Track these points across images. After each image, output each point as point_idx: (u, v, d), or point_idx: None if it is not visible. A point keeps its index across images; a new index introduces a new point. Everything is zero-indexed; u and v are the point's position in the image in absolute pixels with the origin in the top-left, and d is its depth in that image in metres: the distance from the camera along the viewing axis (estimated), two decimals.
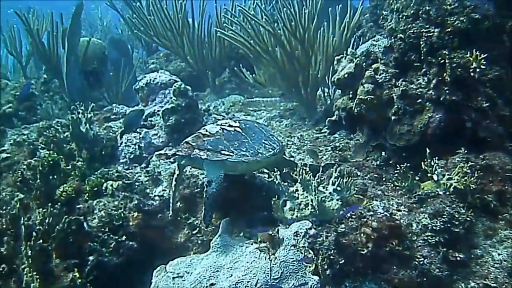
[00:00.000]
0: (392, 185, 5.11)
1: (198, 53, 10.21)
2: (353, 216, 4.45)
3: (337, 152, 6.08)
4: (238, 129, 5.14)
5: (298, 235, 4.32)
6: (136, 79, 9.45)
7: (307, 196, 4.63)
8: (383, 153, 5.54)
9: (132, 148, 6.38)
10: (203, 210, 4.78)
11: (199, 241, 5.27)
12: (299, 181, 4.72)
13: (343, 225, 4.32)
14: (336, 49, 7.18)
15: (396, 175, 4.92)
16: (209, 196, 4.73)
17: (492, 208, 4.61)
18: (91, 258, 4.92)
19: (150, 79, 7.17)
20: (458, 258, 4.24)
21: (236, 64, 9.56)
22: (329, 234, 4.28)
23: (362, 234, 4.25)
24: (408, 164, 4.86)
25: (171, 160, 5.23)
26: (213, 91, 10.16)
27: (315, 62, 7.37)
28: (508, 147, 4.95)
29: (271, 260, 4.19)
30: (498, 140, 4.95)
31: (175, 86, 6.55)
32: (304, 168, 4.70)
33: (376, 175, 5.32)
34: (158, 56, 12.61)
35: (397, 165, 5.10)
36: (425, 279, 4.15)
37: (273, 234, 4.29)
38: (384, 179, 5.27)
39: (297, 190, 4.73)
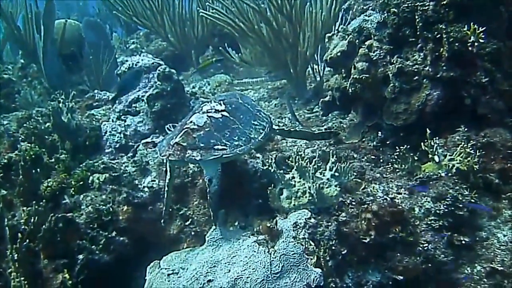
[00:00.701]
0: (390, 166, 4.95)
1: (180, 31, 9.91)
2: (353, 203, 4.31)
3: None
4: (225, 113, 4.84)
5: (298, 226, 4.13)
6: (117, 62, 9.10)
7: (304, 184, 4.44)
8: (380, 133, 5.36)
9: (117, 137, 6.11)
10: (210, 211, 4.59)
11: (193, 232, 5.05)
12: (295, 167, 4.51)
13: (343, 213, 4.15)
14: (325, 24, 6.92)
15: (396, 157, 4.74)
16: (212, 195, 4.51)
17: (495, 187, 4.50)
18: (80, 256, 4.69)
19: (132, 63, 6.84)
20: (463, 242, 4.11)
21: (220, 42, 9.27)
22: (329, 223, 4.12)
23: (363, 222, 4.09)
24: (407, 146, 4.67)
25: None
26: (197, 70, 9.85)
27: (304, 39, 7.10)
28: (508, 123, 4.79)
29: (270, 254, 4.00)
30: (498, 116, 4.80)
31: (159, 70, 6.26)
32: (300, 155, 4.49)
33: (373, 157, 5.17)
34: (138, 36, 12.27)
35: (395, 146, 4.95)
36: (430, 265, 4.03)
37: (271, 226, 4.09)
38: (381, 160, 5.13)
39: (293, 177, 4.53)
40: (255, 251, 4.06)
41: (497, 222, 4.33)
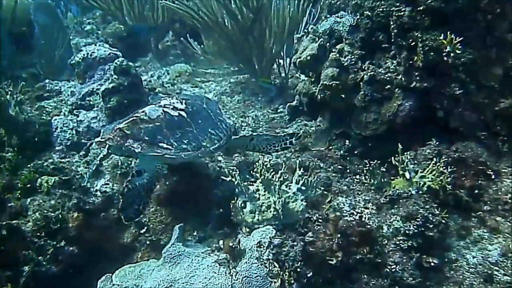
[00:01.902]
0: (358, 178, 4.75)
1: (139, 15, 9.41)
2: (320, 219, 4.07)
3: None
4: (183, 113, 4.57)
5: (262, 246, 3.87)
6: (71, 47, 8.60)
7: (269, 197, 4.17)
8: (347, 141, 5.18)
9: (69, 133, 5.67)
10: (120, 202, 4.24)
11: (148, 241, 4.76)
12: (260, 180, 4.24)
13: (310, 233, 3.91)
14: (292, 20, 6.64)
15: (364, 171, 4.53)
16: (132, 187, 4.22)
17: (465, 205, 4.38)
18: (26, 268, 4.33)
19: (88, 53, 6.36)
20: (432, 264, 3.93)
21: (182, 27, 8.89)
22: (295, 243, 3.87)
23: (330, 241, 3.86)
24: (377, 161, 4.46)
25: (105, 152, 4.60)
26: (156, 57, 9.44)
27: (270, 34, 6.79)
28: (480, 137, 4.65)
29: (232, 276, 3.74)
30: (470, 129, 4.69)
31: (116, 63, 5.85)
32: (265, 165, 4.21)
33: (340, 167, 4.97)
34: (95, 16, 11.67)
35: (363, 156, 4.83)
36: (397, 287, 3.83)
37: (233, 245, 3.82)
38: (348, 171, 4.96)
39: (257, 189, 4.25)
40: (215, 272, 3.79)
41: (466, 242, 4.23)
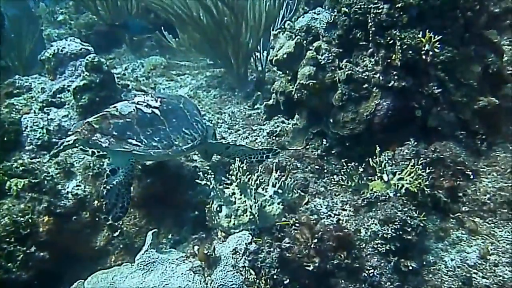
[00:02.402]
0: (335, 178, 4.69)
1: (112, 5, 9.19)
2: (297, 224, 3.97)
3: (273, 138, 5.49)
4: (156, 111, 4.49)
5: (237, 253, 3.77)
6: (43, 38, 8.34)
7: (245, 201, 4.08)
8: (325, 141, 5.09)
9: (39, 132, 5.49)
10: (104, 204, 4.20)
11: (121, 245, 4.66)
12: (235, 184, 4.14)
13: (286, 239, 3.82)
14: (269, 14, 6.51)
15: (342, 173, 4.45)
16: (110, 187, 4.16)
17: (443, 206, 4.33)
18: None
19: (58, 49, 6.14)
20: (410, 268, 3.87)
21: (156, 18, 8.69)
22: (271, 249, 3.76)
23: (307, 247, 3.78)
24: (356, 163, 4.37)
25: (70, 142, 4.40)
26: (130, 49, 9.25)
27: (246, 29, 6.65)
28: (458, 136, 4.61)
29: (207, 284, 3.65)
30: (448, 128, 4.66)
31: (87, 59, 5.67)
32: (241, 168, 4.11)
33: (317, 167, 4.89)
34: (68, 5, 11.35)
35: (340, 156, 4.77)
36: None
37: (208, 253, 3.71)
38: (326, 171, 4.88)
39: (233, 193, 4.15)
40: (190, 281, 3.69)
41: (445, 244, 4.18)
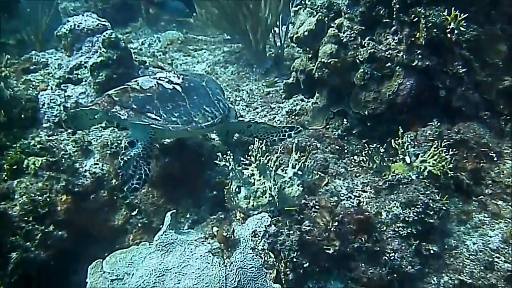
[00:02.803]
0: (355, 159, 4.62)
1: None
2: (317, 206, 3.91)
3: (292, 117, 5.40)
4: (178, 87, 4.46)
5: (257, 235, 3.73)
6: (59, 12, 8.24)
7: (264, 182, 4.02)
8: (345, 120, 5.01)
9: (56, 109, 5.47)
10: (120, 175, 4.16)
11: (139, 224, 4.65)
12: (255, 165, 4.08)
13: (306, 221, 3.77)
14: None
15: (364, 154, 4.36)
16: (128, 159, 4.12)
17: (466, 188, 4.25)
18: (14, 255, 4.19)
19: (75, 24, 6.07)
20: (432, 251, 3.81)
21: None
22: (291, 232, 3.72)
23: (327, 229, 3.73)
24: (378, 145, 4.28)
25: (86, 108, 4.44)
26: (147, 22, 9.14)
27: (265, 4, 6.50)
28: (483, 117, 4.50)
29: (226, 266, 3.62)
30: (473, 109, 4.55)
31: (104, 36, 5.58)
32: (260, 149, 4.04)
33: (337, 147, 4.80)
34: None
35: (361, 136, 4.70)
36: (395, 275, 3.73)
37: (227, 235, 3.68)
38: (346, 151, 4.80)
39: (252, 174, 4.09)
40: (209, 263, 3.66)
41: (467, 228, 4.11)
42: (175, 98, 4.35)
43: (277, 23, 6.82)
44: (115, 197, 4.69)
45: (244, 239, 3.74)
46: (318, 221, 3.79)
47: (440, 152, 4.01)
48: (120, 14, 9.35)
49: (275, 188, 3.93)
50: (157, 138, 4.40)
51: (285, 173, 4.12)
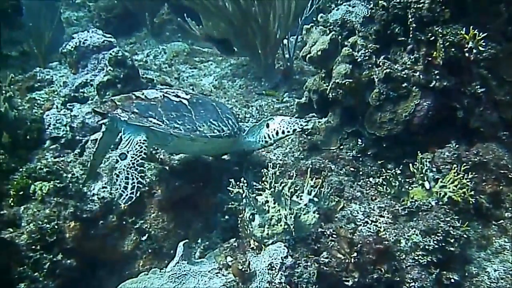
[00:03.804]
0: (371, 181, 4.53)
1: None
2: (334, 234, 3.79)
3: (305, 136, 5.26)
4: (185, 101, 4.33)
5: (273, 268, 3.60)
6: (62, 21, 8.12)
7: (279, 210, 3.89)
8: (360, 141, 4.89)
9: (63, 130, 5.34)
10: (117, 190, 3.93)
11: (149, 249, 4.51)
12: (269, 191, 3.95)
13: (325, 253, 3.65)
14: (298, 3, 6.20)
15: (381, 180, 4.26)
16: (120, 172, 3.92)
17: (486, 212, 4.15)
18: (22, 285, 4.06)
19: (80, 41, 5.94)
20: (452, 280, 3.70)
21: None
22: (308, 264, 3.61)
23: (346, 260, 3.61)
24: (395, 169, 4.17)
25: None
26: (152, 32, 9.03)
27: (274, 19, 6.36)
28: (501, 137, 4.39)
29: None
30: (491, 129, 4.45)
31: (111, 54, 5.46)
32: (274, 174, 3.91)
33: (352, 169, 4.71)
34: None
35: (376, 157, 4.62)
36: None
37: (243, 269, 3.56)
38: (361, 172, 4.70)
39: (267, 201, 3.96)
40: None
41: (487, 253, 4.02)
42: (180, 109, 4.21)
43: (286, 37, 6.68)
44: (124, 222, 4.55)
45: (260, 272, 3.61)
46: (336, 252, 3.67)
47: (461, 178, 3.89)
48: (124, 23, 9.26)
49: (290, 216, 3.80)
50: (151, 146, 4.28)
51: (300, 199, 3.99)
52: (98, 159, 4.53)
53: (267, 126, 4.69)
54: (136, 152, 3.98)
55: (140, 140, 4.00)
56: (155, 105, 4.11)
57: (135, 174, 3.94)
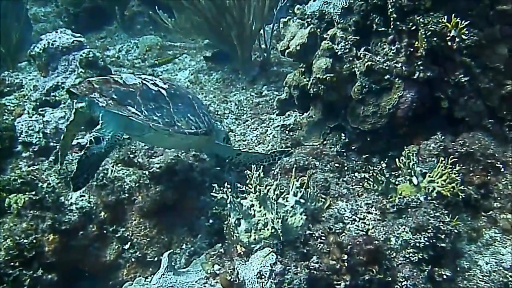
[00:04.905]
0: (356, 175, 4.46)
1: None
2: (322, 236, 3.69)
3: (287, 132, 5.14)
4: (163, 91, 4.16)
5: (263, 277, 3.49)
6: (29, 18, 7.81)
7: (265, 213, 3.77)
8: (343, 135, 4.78)
9: (35, 137, 5.13)
10: (75, 170, 3.82)
11: (133, 258, 4.38)
12: (254, 195, 3.82)
13: (314, 257, 3.55)
14: None
15: (367, 177, 4.17)
16: (89, 155, 3.79)
17: (474, 203, 4.08)
18: None
19: (48, 43, 5.69)
20: (445, 277, 3.63)
21: None
22: (298, 269, 3.50)
23: (336, 263, 3.52)
24: (382, 166, 4.06)
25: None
26: (122, 26, 8.76)
27: (249, 11, 6.18)
28: (487, 125, 4.31)
29: None
30: (476, 118, 4.37)
31: (82, 55, 5.26)
32: (259, 178, 3.79)
33: (337, 164, 4.61)
34: None
35: (361, 151, 4.60)
36: None
37: (231, 279, 3.44)
38: (346, 168, 4.61)
39: (252, 205, 3.83)
40: None
41: (478, 246, 3.96)
42: (158, 100, 4.05)
43: (262, 30, 6.52)
44: (105, 231, 4.42)
45: (249, 281, 3.49)
46: (326, 256, 3.58)
47: (449, 172, 3.81)
48: (93, 18, 8.99)
49: (277, 219, 3.68)
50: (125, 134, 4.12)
51: (287, 201, 3.87)
52: (69, 139, 4.38)
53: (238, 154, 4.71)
54: (109, 144, 3.87)
55: (118, 135, 3.92)
56: (133, 93, 3.93)
57: (96, 167, 3.92)
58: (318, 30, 4.73)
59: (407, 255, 3.65)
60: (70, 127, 4.22)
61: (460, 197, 3.90)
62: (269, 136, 5.17)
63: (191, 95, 4.55)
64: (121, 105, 3.80)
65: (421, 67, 4.13)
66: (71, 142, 4.46)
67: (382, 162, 4.26)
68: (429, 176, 3.91)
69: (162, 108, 4.03)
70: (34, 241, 4.15)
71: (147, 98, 3.97)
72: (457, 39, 3.99)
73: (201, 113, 4.35)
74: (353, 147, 4.75)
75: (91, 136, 3.84)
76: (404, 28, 4.15)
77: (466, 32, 3.95)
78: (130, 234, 4.42)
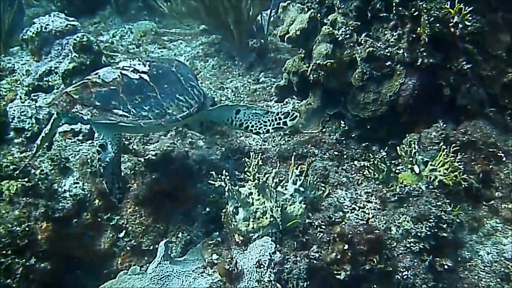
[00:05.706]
0: (355, 164, 4.41)
1: None
2: (322, 225, 3.62)
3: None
4: (145, 76, 3.96)
5: (262, 266, 3.41)
6: (23, 7, 7.67)
7: (263, 202, 3.69)
8: (343, 123, 4.70)
9: (28, 123, 5.01)
10: (105, 187, 3.76)
11: (128, 246, 4.28)
12: (252, 183, 3.73)
13: (314, 247, 3.48)
14: None
15: (369, 166, 4.10)
16: (105, 165, 3.70)
17: (475, 192, 4.05)
18: None
19: (41, 26, 5.55)
20: (446, 267, 3.58)
21: None
22: (297, 259, 3.43)
23: (336, 253, 3.45)
24: (384, 155, 4.01)
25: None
26: (116, 11, 8.59)
27: None
28: (488, 113, 4.27)
29: None
30: (478, 106, 4.33)
31: (75, 39, 5.13)
32: (257, 165, 3.70)
33: (336, 152, 4.54)
34: None
35: (360, 139, 4.54)
36: None
37: (230, 268, 3.36)
38: (345, 156, 4.54)
39: (250, 193, 3.75)
40: None
41: (479, 236, 3.94)
42: (143, 89, 3.87)
43: (260, 14, 6.41)
44: (99, 219, 4.31)
45: (248, 271, 3.41)
46: (326, 245, 3.51)
47: (452, 161, 3.74)
48: (87, 2, 8.80)
49: (276, 208, 3.61)
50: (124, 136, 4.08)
51: (286, 189, 3.79)
52: (45, 142, 4.32)
53: (237, 112, 4.45)
54: (117, 146, 3.77)
55: (117, 135, 3.80)
56: (116, 91, 3.76)
57: (119, 172, 3.81)
58: (319, 15, 4.64)
59: (408, 245, 3.63)
60: (46, 137, 4.20)
61: (462, 186, 3.86)
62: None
63: (174, 66, 4.33)
64: (106, 110, 3.65)
65: (423, 54, 4.06)
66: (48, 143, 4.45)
67: (382, 150, 4.21)
68: (431, 164, 3.85)
69: (148, 98, 3.86)
70: (27, 229, 4.03)
71: (130, 92, 3.81)
72: (460, 26, 3.93)
73: (188, 86, 4.17)
74: (352, 135, 4.68)
75: (95, 146, 3.73)
76: (406, 13, 4.08)
77: (470, 18, 3.87)
78: (125, 222, 4.31)
